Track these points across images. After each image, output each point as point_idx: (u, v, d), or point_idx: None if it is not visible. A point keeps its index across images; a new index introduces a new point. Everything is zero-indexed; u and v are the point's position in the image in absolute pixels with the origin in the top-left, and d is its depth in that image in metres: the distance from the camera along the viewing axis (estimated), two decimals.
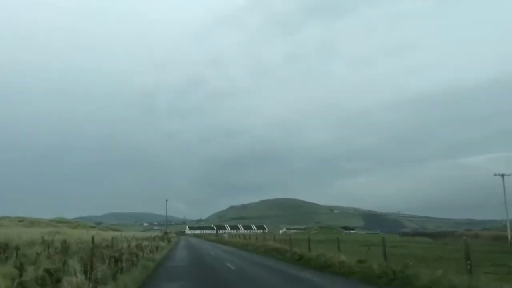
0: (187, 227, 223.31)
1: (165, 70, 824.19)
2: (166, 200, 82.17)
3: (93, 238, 13.79)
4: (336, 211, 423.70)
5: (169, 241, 56.73)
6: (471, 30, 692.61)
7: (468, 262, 11.32)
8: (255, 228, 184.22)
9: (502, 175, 57.82)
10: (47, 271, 9.08)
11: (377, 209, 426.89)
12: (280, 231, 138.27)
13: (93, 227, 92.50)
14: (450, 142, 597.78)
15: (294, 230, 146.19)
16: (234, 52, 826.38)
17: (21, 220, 79.67)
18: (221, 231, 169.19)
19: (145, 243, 30.83)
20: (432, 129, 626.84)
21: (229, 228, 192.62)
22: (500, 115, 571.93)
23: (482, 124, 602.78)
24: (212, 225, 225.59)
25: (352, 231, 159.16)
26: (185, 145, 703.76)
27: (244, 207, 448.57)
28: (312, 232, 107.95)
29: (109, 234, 41.34)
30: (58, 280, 8.92)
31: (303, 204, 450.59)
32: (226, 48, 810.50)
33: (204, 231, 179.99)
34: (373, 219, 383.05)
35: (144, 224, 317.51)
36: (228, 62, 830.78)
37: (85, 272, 10.19)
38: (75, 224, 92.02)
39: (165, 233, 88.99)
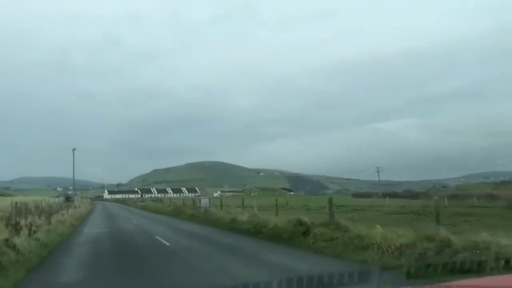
0: (106, 191, 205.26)
1: (79, 26, 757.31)
2: (73, 150, 64.50)
3: None
4: (262, 174, 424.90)
5: (75, 207, 43.92)
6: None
7: None
8: (186, 191, 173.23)
9: None
10: None
11: (301, 171, 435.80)
12: (215, 194, 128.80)
13: None
14: (367, 108, 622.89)
15: (230, 193, 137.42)
16: (154, 9, 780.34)
17: None
18: (146, 195, 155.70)
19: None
20: (350, 96, 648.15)
21: (156, 192, 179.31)
22: (412, 84, 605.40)
23: (396, 91, 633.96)
24: (136, 189, 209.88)
25: (291, 193, 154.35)
26: (104, 107, 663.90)
27: (168, 170, 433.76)
28: (252, 194, 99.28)
29: None
30: None
31: (229, 167, 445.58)
32: (146, 5, 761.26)
33: (127, 196, 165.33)
34: (297, 181, 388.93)
35: (58, 189, 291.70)
36: (149, 21, 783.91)
37: None
38: None
39: (68, 198, 69.25)
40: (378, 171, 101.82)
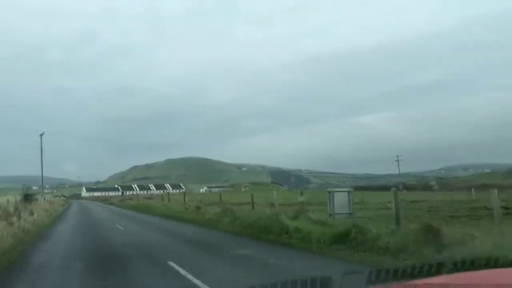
0: (84, 188, 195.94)
1: (53, 21, 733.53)
2: (41, 135, 50.73)
3: None
4: (244, 169, 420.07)
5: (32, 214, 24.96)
6: None
7: None
8: (170, 188, 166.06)
9: None
10: None
11: (282, 165, 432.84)
12: (201, 190, 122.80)
13: None
14: (344, 102, 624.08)
15: (217, 189, 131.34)
16: (129, 3, 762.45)
17: None
18: (127, 192, 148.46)
19: None
20: (329, 89, 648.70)
21: (137, 189, 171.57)
22: (388, 77, 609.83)
23: (373, 85, 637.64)
24: (117, 186, 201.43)
25: (283, 187, 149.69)
26: (79, 104, 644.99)
27: (148, 166, 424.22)
28: (243, 189, 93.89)
29: None
30: None
31: (210, 163, 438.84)
32: None
33: (107, 193, 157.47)
34: (280, 176, 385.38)
35: (34, 187, 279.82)
36: (124, 15, 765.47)
37: None
38: None
39: (27, 196, 48.21)
40: (398, 160, 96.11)
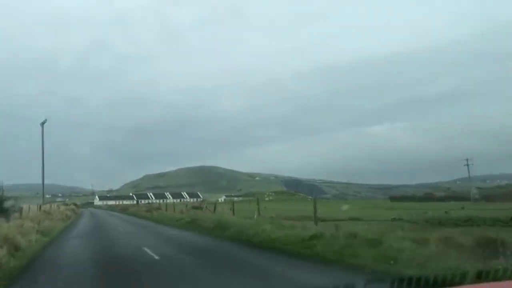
0: (97, 197, 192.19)
1: (65, 31, 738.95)
2: (42, 124, 43.33)
3: None
4: (257, 178, 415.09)
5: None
6: (382, 2, 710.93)
7: None
8: (187, 196, 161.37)
9: None
10: None
11: (295, 175, 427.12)
12: (219, 199, 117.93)
13: None
14: (356, 112, 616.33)
15: (236, 198, 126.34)
16: (140, 13, 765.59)
17: None
18: (142, 201, 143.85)
19: None
20: (340, 99, 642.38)
21: (153, 197, 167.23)
22: (402, 87, 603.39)
23: (387, 94, 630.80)
24: (131, 194, 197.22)
25: (309, 197, 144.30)
26: (92, 113, 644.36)
27: (160, 175, 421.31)
28: (266, 199, 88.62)
29: None
30: None
31: (222, 172, 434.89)
32: (132, 9, 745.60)
33: (121, 202, 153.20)
34: (293, 185, 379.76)
35: (47, 196, 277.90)
36: (135, 25, 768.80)
37: None
38: None
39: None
40: (467, 164, 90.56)
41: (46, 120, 47.40)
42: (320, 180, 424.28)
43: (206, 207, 39.29)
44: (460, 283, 3.44)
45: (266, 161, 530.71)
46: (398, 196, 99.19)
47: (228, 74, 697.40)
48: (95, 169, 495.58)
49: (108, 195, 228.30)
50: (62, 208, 57.84)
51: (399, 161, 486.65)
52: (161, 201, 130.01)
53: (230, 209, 30.07)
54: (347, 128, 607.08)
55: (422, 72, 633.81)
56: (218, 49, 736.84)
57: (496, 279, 4.54)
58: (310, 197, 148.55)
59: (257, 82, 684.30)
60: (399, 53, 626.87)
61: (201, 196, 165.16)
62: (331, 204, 58.52)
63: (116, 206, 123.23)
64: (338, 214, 27.38)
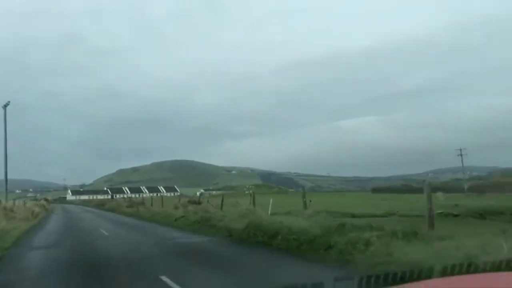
0: (70, 191, 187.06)
1: (38, 23, 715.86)
2: (5, 106, 40.19)
3: None
4: (233, 172, 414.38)
5: None
6: None
7: None
8: (164, 191, 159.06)
9: None
10: None
11: (272, 169, 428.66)
12: (197, 193, 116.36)
13: None
14: (332, 106, 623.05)
15: (215, 192, 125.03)
16: (115, 5, 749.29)
17: None
18: (117, 196, 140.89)
19: None
20: (316, 94, 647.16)
21: (128, 191, 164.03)
22: (374, 81, 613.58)
23: (359, 89, 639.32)
24: (106, 188, 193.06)
25: (291, 189, 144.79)
26: (63, 107, 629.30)
27: (135, 170, 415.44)
28: (246, 192, 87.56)
29: None
30: None
31: (198, 166, 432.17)
32: (106, 1, 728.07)
33: (95, 196, 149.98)
34: (270, 179, 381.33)
35: (17, 191, 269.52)
36: (110, 17, 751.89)
37: None
38: None
39: None
40: (461, 154, 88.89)
41: (9, 102, 44.41)
42: (296, 173, 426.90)
43: (208, 201, 32.77)
44: (427, 277, 3.47)
45: (242, 155, 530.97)
46: (381, 188, 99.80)
47: (203, 68, 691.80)
48: (68, 164, 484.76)
49: (81, 189, 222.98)
50: (30, 204, 48.79)
51: (371, 154, 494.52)
52: (138, 195, 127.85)
53: (250, 203, 24.60)
54: (321, 122, 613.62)
55: (395, 66, 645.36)
56: (193, 43, 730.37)
57: None
58: (292, 189, 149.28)
59: (233, 76, 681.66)
60: (373, 48, 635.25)
61: (178, 190, 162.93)
62: (313, 196, 57.80)
63: (90, 201, 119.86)
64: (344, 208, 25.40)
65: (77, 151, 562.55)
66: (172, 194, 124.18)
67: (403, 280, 3.20)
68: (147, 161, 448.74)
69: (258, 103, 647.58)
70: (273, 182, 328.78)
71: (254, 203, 22.31)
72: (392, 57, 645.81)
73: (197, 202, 35.08)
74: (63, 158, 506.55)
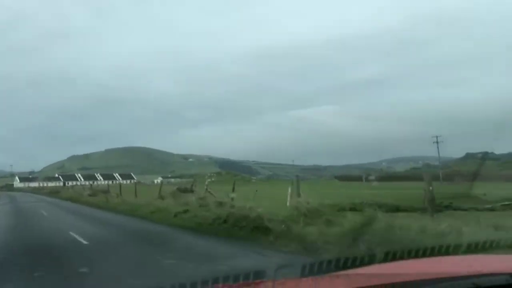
0: (17, 178, 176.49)
1: None
2: None
3: None
4: (190, 159, 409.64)
5: None
6: None
7: None
8: (120, 178, 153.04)
9: None
10: None
11: (230, 156, 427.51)
12: (155, 181, 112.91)
13: None
14: (289, 95, 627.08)
15: (174, 180, 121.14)
16: None
17: None
18: (70, 183, 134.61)
19: None
20: (274, 83, 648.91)
21: (81, 178, 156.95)
22: (331, 72, 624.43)
23: (316, 78, 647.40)
24: (57, 175, 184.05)
25: (254, 178, 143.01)
26: (9, 90, 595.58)
27: (88, 156, 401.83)
28: (209, 180, 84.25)
29: None
30: None
31: (154, 153, 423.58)
32: None
33: (46, 184, 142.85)
34: (228, 167, 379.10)
35: None
36: None
37: None
38: None
39: None
40: (437, 142, 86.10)
41: None
42: (254, 161, 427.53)
43: (207, 189, 23.98)
44: (369, 263, 3.50)
45: (200, 143, 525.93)
46: (343, 176, 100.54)
47: (160, 54, 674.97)
48: (16, 151, 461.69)
49: (30, 176, 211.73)
50: None
51: (328, 143, 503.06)
52: (92, 182, 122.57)
53: (208, 191, 22.43)
54: (279, 111, 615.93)
55: (351, 57, 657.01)
56: (151, 28, 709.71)
57: None
58: (254, 178, 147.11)
59: (191, 63, 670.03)
60: (330, 39, 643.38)
61: (135, 178, 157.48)
62: (280, 185, 56.44)
63: (41, 188, 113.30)
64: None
65: (25, 137, 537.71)
66: (129, 181, 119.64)
67: (346, 266, 3.22)
68: (100, 148, 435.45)
69: (216, 90, 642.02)
70: (232, 170, 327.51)
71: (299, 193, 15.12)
72: (349, 48, 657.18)
73: (189, 190, 28.87)
74: (10, 144, 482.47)
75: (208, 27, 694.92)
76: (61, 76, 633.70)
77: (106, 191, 40.39)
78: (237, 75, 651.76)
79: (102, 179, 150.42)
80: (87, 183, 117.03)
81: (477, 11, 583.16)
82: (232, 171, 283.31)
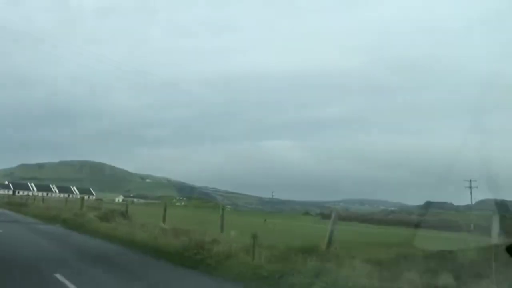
0: None
1: None
2: None
3: None
4: (148, 180, 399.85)
5: None
6: (291, 22, 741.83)
7: None
8: (77, 192, 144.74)
9: None
10: None
11: (188, 181, 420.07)
12: (116, 199, 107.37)
13: None
14: (251, 125, 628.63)
15: (136, 200, 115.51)
16: None
17: None
18: (21, 192, 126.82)
19: None
20: (237, 111, 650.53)
21: (35, 188, 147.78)
22: (295, 106, 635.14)
23: (280, 111, 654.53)
24: (7, 182, 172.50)
25: (228, 207, 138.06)
26: None
27: (40, 166, 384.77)
28: (177, 204, 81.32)
29: None
30: None
31: (109, 169, 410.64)
32: None
33: None
34: (186, 191, 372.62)
35: None
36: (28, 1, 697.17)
37: None
38: None
39: None
40: (471, 187, 76.72)
41: None
42: (213, 188, 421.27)
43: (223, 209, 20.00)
44: None
45: (158, 164, 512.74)
46: (328, 214, 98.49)
47: (124, 68, 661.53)
48: None
49: None
50: None
51: (288, 177, 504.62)
52: (46, 194, 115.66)
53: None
54: (242, 140, 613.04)
55: (316, 94, 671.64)
56: (118, 41, 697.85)
57: None
58: (229, 206, 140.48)
59: (156, 81, 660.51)
60: (295, 74, 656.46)
61: (94, 194, 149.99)
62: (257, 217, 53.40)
63: None
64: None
65: None
66: (88, 197, 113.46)
67: None
68: (54, 159, 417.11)
69: (179, 112, 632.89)
70: (190, 195, 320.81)
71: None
72: (313, 85, 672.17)
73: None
74: None
75: (178, 46, 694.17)
76: (18, 80, 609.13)
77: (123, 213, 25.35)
78: (202, 98, 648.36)
79: (57, 191, 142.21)
80: (40, 194, 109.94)
81: (443, 63, 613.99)
82: (194, 195, 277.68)
